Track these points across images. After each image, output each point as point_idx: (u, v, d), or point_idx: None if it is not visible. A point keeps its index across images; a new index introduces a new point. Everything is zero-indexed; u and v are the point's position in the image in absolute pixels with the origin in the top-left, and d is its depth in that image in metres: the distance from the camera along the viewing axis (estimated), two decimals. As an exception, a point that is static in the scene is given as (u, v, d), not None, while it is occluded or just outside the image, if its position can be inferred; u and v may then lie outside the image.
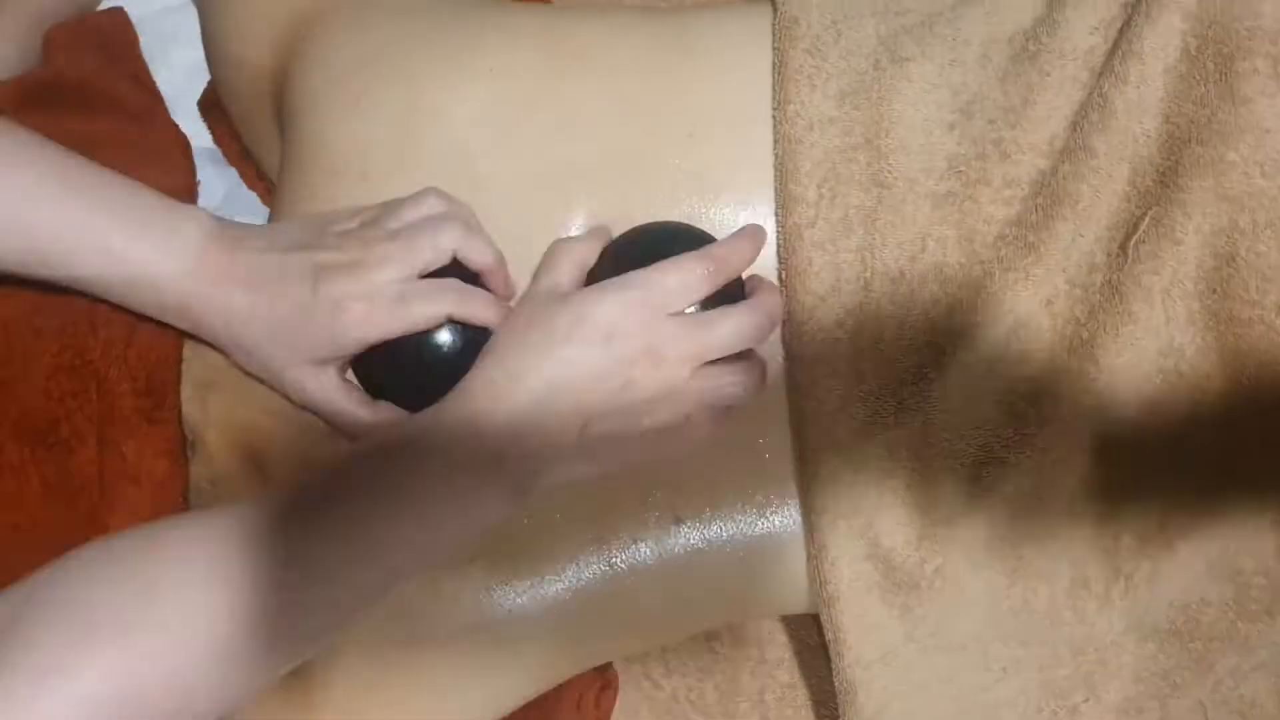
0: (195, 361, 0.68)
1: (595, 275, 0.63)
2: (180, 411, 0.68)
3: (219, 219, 0.64)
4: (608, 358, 0.58)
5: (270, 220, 0.72)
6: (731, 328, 0.60)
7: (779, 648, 0.84)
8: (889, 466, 0.63)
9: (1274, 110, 0.59)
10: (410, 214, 0.63)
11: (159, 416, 0.66)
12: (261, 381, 0.65)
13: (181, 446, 0.68)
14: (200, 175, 0.83)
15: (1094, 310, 0.62)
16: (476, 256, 0.64)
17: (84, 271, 0.61)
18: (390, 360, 0.64)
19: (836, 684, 0.68)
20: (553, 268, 0.63)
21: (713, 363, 0.60)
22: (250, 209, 0.85)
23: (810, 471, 0.64)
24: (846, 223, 0.64)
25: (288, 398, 0.65)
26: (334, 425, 0.65)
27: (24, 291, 0.65)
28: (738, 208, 0.66)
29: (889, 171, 0.64)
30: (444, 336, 0.63)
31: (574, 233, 0.67)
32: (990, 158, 0.63)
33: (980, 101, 0.64)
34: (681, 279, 0.59)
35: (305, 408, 0.65)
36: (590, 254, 0.64)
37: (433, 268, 0.63)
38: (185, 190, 0.80)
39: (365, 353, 0.64)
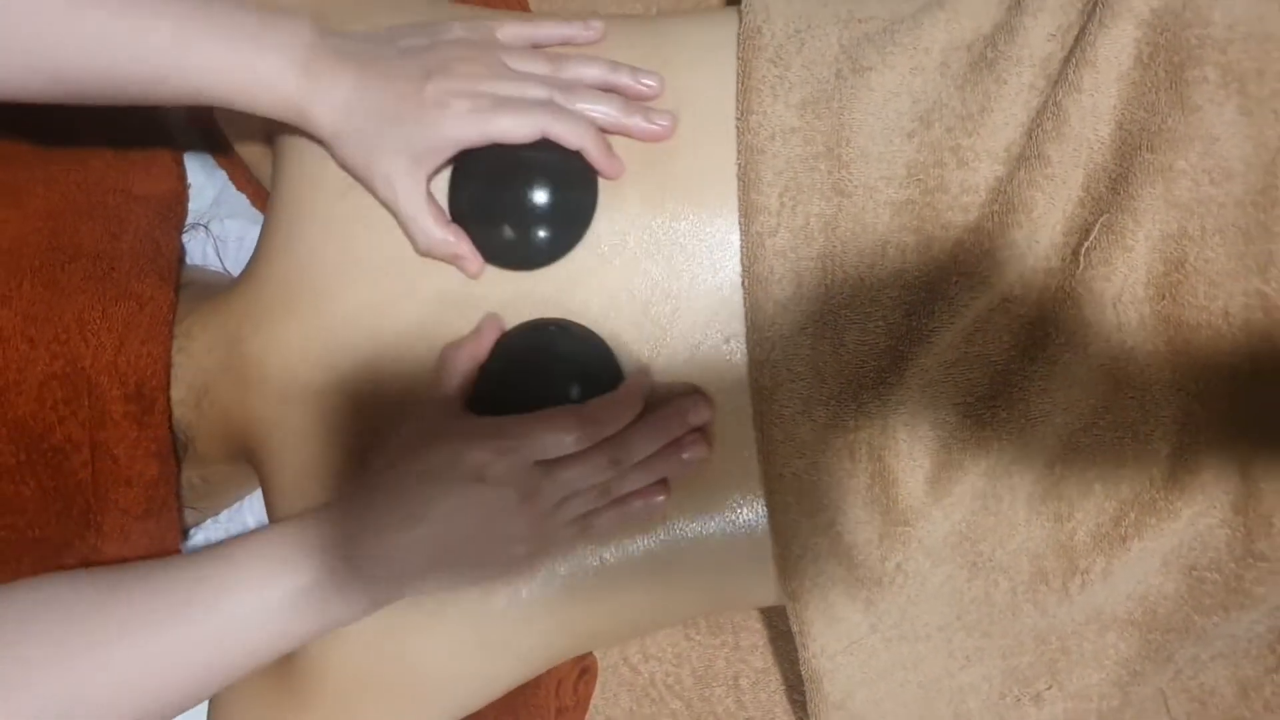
0: (187, 365, 0.71)
1: (485, 372, 0.66)
2: (170, 414, 0.70)
3: (319, 27, 0.65)
4: (478, 499, 0.61)
5: (265, 228, 0.74)
6: (577, 474, 0.63)
7: (752, 634, 0.86)
8: (850, 467, 0.65)
9: (1222, 118, 0.60)
10: (510, 33, 0.68)
11: (149, 420, 0.68)
12: (357, 179, 0.67)
13: (171, 448, 0.70)
14: (190, 178, 0.84)
15: (1048, 315, 0.63)
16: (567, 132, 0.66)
17: (204, 84, 0.63)
18: (475, 180, 0.66)
19: (803, 673, 0.70)
20: (441, 378, 0.66)
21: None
22: (241, 210, 0.87)
23: (774, 472, 0.66)
24: (808, 231, 0.65)
25: (374, 191, 0.66)
26: (407, 230, 0.66)
27: (16, 301, 0.67)
28: (707, 216, 0.68)
29: (849, 180, 0.65)
30: (532, 166, 0.66)
31: None
32: (948, 165, 0.64)
33: (939, 109, 0.65)
34: (556, 438, 0.63)
35: (386, 204, 0.66)
36: (480, 352, 0.66)
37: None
38: (176, 194, 0.82)
39: (455, 172, 0.66)
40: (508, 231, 0.66)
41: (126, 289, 0.70)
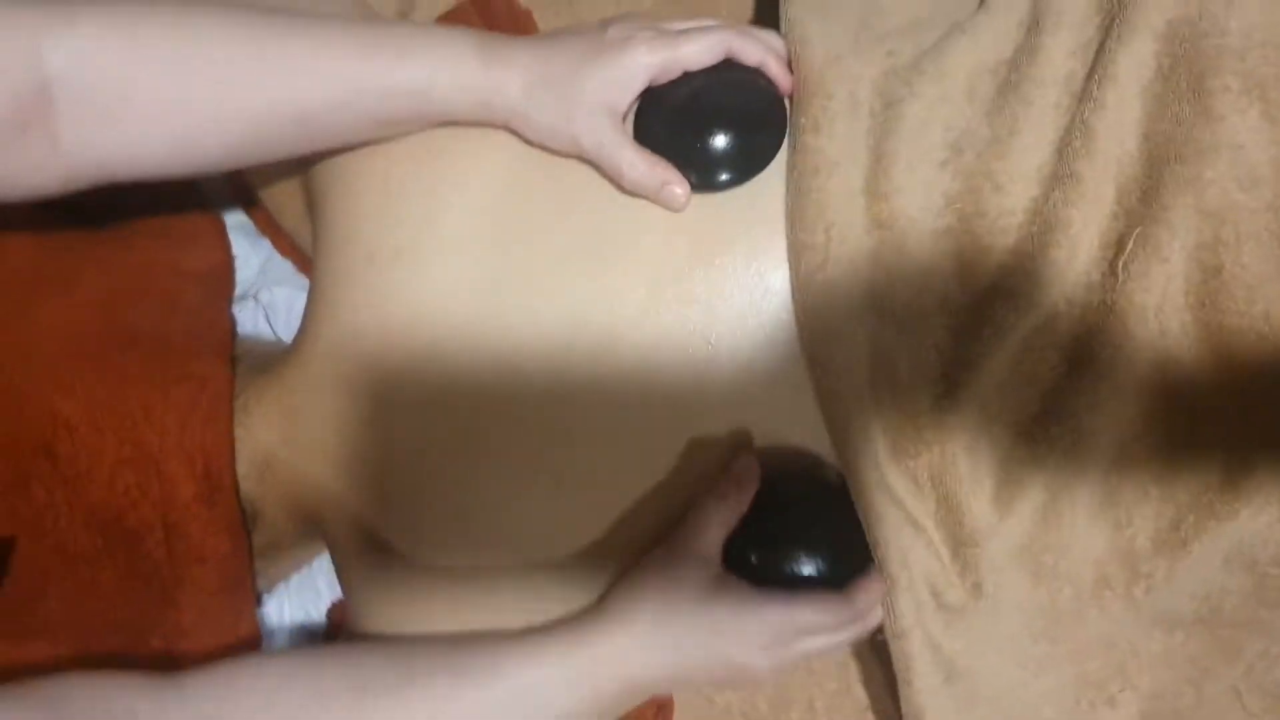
0: (246, 440, 0.73)
1: (655, 103, 0.68)
2: (238, 490, 0.72)
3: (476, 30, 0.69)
4: (752, 664, 0.66)
5: (309, 297, 0.75)
6: (823, 643, 0.67)
7: (824, 659, 0.87)
8: (917, 494, 0.67)
9: (1246, 126, 0.61)
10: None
11: (217, 499, 0.70)
12: (552, 151, 0.69)
13: (241, 522, 0.72)
14: (235, 249, 0.85)
15: (1092, 330, 0.64)
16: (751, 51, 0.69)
17: (398, 109, 0.67)
18: (670, 108, 0.68)
19: (904, 711, 0.70)
20: (699, 531, 0.68)
21: None
22: (287, 276, 0.88)
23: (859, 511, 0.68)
24: (854, 264, 0.66)
25: (578, 146, 0.67)
26: (615, 170, 0.67)
27: (79, 390, 0.69)
28: (748, 258, 0.69)
29: (889, 212, 0.66)
30: (716, 91, 0.69)
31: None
32: (983, 191, 0.66)
33: (969, 136, 0.67)
34: (819, 619, 0.66)
35: (588, 153, 0.67)
36: (734, 515, 0.68)
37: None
38: (224, 266, 0.84)
39: (640, 114, 0.69)
40: (718, 142, 0.68)
41: (185, 370, 0.72)
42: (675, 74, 0.68)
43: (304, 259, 0.88)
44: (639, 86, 0.67)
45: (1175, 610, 0.67)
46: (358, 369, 0.70)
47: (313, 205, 0.76)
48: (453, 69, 0.66)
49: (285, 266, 0.89)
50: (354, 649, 0.67)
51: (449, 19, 0.91)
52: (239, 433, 0.73)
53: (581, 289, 0.69)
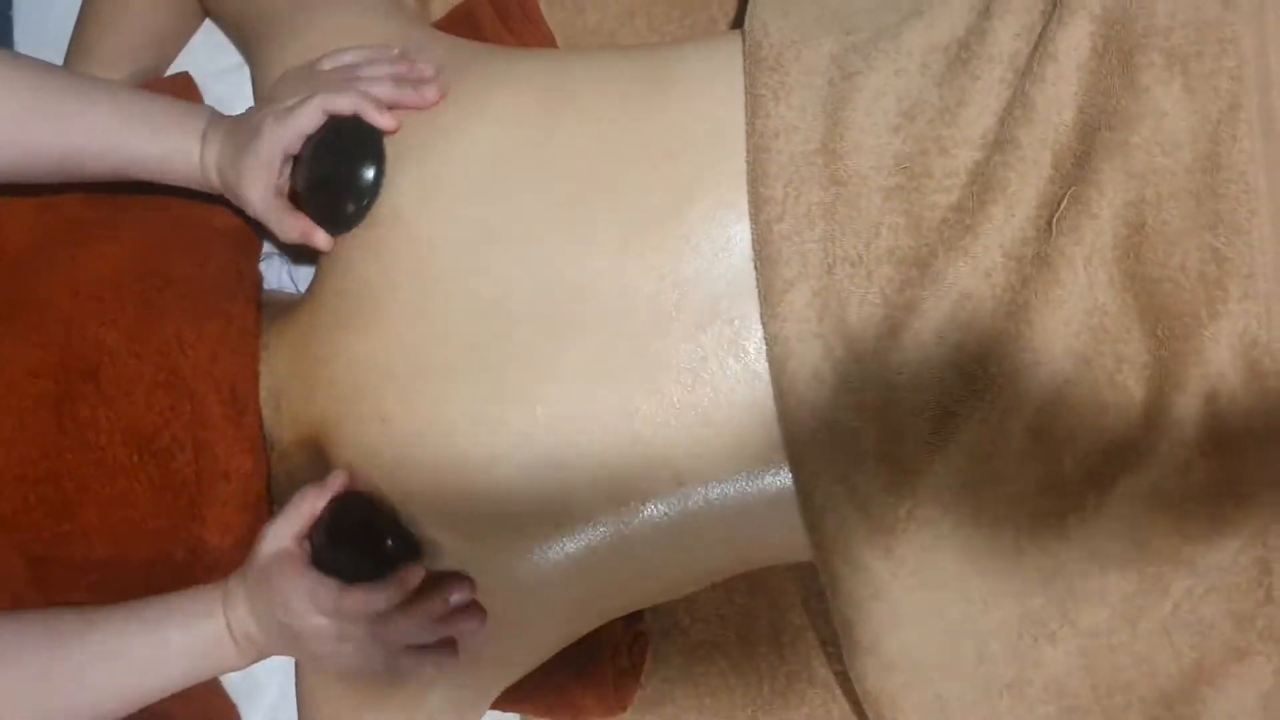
0: (267, 372, 0.81)
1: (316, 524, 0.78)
2: (260, 415, 0.80)
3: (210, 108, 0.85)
4: (302, 634, 0.75)
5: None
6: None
7: (789, 595, 0.93)
8: (858, 425, 0.73)
9: (1169, 96, 0.68)
10: (328, 63, 0.83)
11: (243, 420, 0.78)
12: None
13: (262, 444, 0.80)
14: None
15: (1027, 279, 0.71)
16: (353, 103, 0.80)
17: (130, 168, 0.82)
18: (300, 168, 0.81)
19: (835, 621, 0.77)
20: (282, 521, 0.77)
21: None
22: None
23: (792, 434, 0.74)
24: (809, 216, 0.73)
25: (246, 209, 0.82)
26: (270, 229, 0.82)
27: (121, 322, 0.77)
28: (715, 208, 0.76)
29: (844, 170, 0.73)
30: (326, 140, 0.80)
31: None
32: (931, 153, 0.73)
33: (921, 105, 0.74)
34: (354, 608, 0.75)
35: (255, 216, 0.82)
36: (316, 508, 0.77)
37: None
38: (249, 226, 0.91)
39: (292, 169, 0.82)
40: (325, 193, 0.81)
41: (216, 307, 0.80)
42: (300, 141, 0.80)
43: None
44: (278, 161, 0.80)
45: (1105, 548, 0.72)
46: (362, 311, 0.78)
47: None
48: (185, 147, 0.81)
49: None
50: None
51: (461, 9, 0.99)
52: (262, 369, 0.81)
53: (573, 241, 0.77)
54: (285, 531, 0.76)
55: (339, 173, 0.80)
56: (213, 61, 1.02)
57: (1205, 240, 0.68)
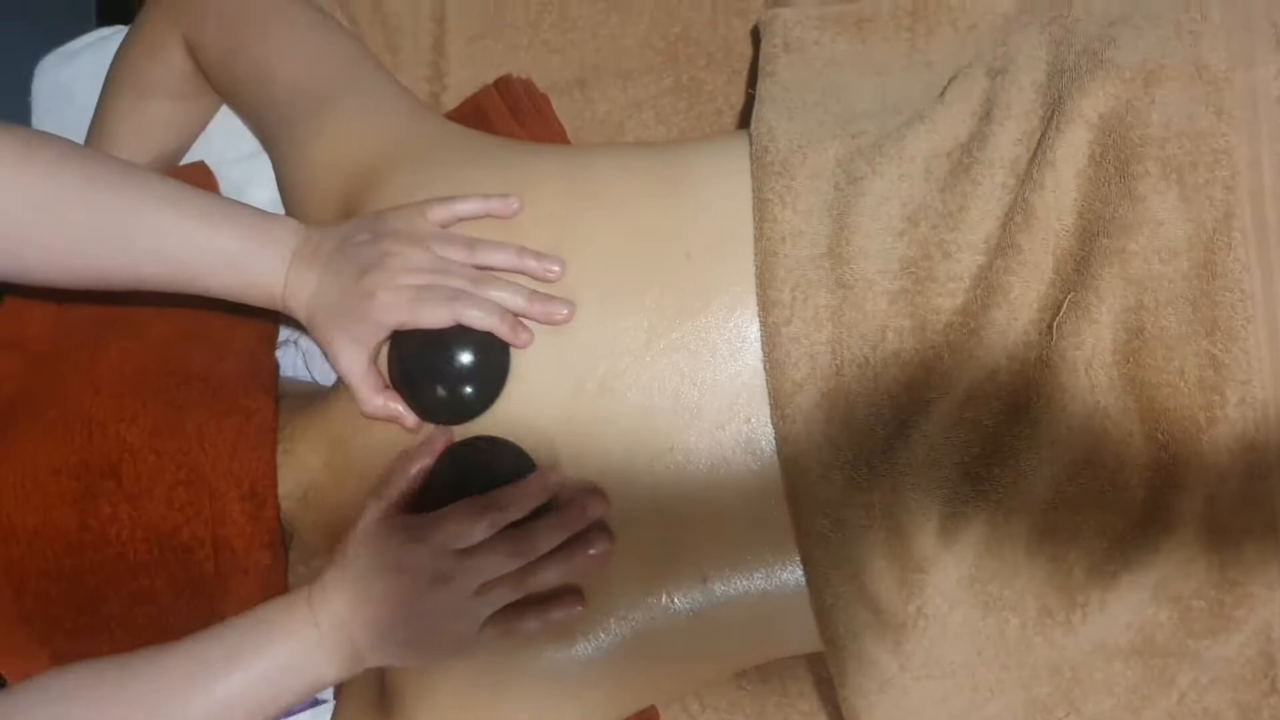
0: (291, 465, 0.82)
1: (433, 477, 0.78)
2: (279, 510, 0.81)
3: (301, 225, 0.80)
4: (396, 585, 0.74)
5: None
6: (485, 560, 0.74)
7: (799, 681, 0.94)
8: (867, 523, 0.74)
9: (1165, 205, 0.70)
10: (438, 212, 0.79)
11: (262, 515, 0.80)
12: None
13: (281, 539, 0.82)
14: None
15: (1030, 381, 0.73)
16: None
17: (211, 282, 0.78)
18: (407, 353, 0.78)
19: (843, 710, 0.79)
20: (388, 482, 0.77)
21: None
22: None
23: (803, 530, 0.76)
24: (817, 319, 0.75)
25: (334, 366, 0.78)
26: (355, 397, 0.78)
27: (143, 419, 0.79)
28: (731, 309, 0.78)
29: (851, 274, 0.75)
30: (455, 347, 0.77)
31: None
32: (935, 258, 0.75)
33: (924, 210, 0.76)
34: (461, 527, 0.74)
35: (340, 374, 0.78)
36: (425, 462, 0.78)
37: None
38: (266, 346, 0.92)
39: (391, 345, 0.78)
40: (439, 390, 0.77)
41: (235, 403, 0.82)
42: (414, 325, 0.77)
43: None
44: (383, 335, 0.77)
45: (1112, 640, 0.74)
46: None
47: None
48: (270, 267, 0.77)
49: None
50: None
51: (473, 102, 1.02)
52: (282, 459, 0.82)
53: (589, 334, 0.78)
54: (391, 493, 0.76)
55: (451, 376, 0.77)
56: (230, 148, 1.04)
57: (1203, 346, 0.70)
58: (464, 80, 1.06)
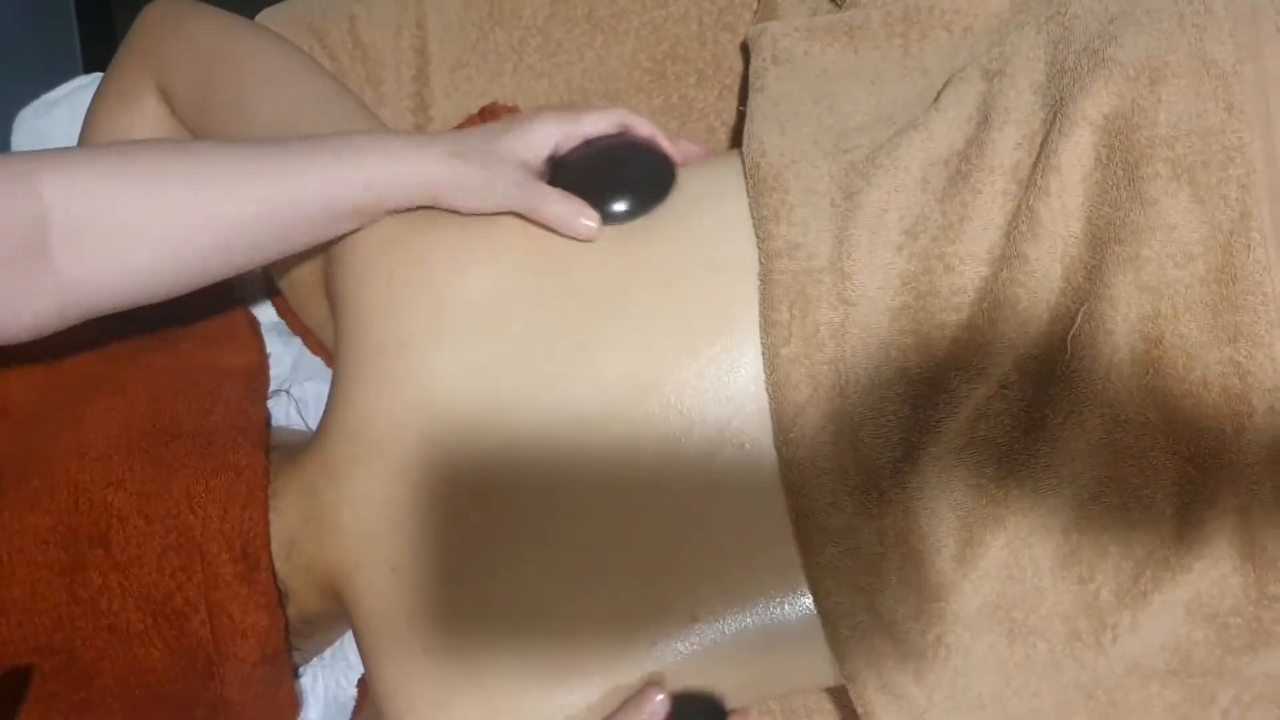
0: (277, 522, 0.79)
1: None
2: (274, 569, 0.78)
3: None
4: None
5: (330, 388, 0.82)
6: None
7: (825, 715, 0.91)
8: (880, 550, 0.71)
9: (1177, 208, 0.67)
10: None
11: (256, 577, 0.77)
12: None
13: (277, 598, 0.79)
14: (269, 348, 0.93)
15: (1044, 398, 0.69)
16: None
17: (346, 200, 0.77)
18: (571, 161, 0.81)
19: None
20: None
21: None
22: (318, 372, 0.96)
23: (812, 560, 0.72)
24: (819, 338, 0.72)
25: (501, 200, 0.77)
26: (533, 213, 0.77)
27: (130, 483, 0.76)
28: (714, 337, 0.75)
29: (852, 291, 0.72)
30: (614, 146, 0.82)
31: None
32: (936, 271, 0.71)
33: (923, 222, 0.73)
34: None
35: (513, 205, 0.77)
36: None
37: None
38: (259, 364, 0.91)
39: (554, 169, 0.80)
40: (616, 175, 0.80)
41: (224, 460, 0.79)
42: (577, 140, 0.80)
43: (331, 355, 0.95)
44: (548, 147, 0.79)
45: (1147, 661, 0.71)
46: (368, 453, 0.77)
47: (331, 304, 0.83)
48: (384, 158, 0.76)
49: (315, 363, 0.96)
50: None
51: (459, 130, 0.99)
52: (272, 516, 0.79)
53: (574, 374, 0.75)
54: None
55: (626, 172, 0.80)
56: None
57: (1226, 353, 0.66)
58: (449, 110, 1.04)
